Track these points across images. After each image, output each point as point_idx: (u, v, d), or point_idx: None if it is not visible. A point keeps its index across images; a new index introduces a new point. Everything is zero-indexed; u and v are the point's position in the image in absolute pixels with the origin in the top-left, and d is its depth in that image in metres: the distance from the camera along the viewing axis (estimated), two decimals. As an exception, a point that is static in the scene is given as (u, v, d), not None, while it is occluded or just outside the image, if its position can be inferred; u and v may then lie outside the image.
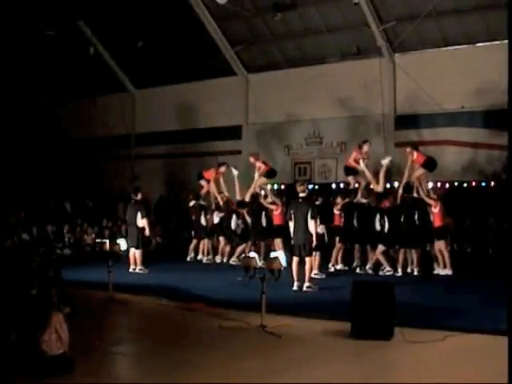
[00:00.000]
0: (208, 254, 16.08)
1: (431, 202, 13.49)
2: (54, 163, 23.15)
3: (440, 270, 13.32)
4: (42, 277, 8.33)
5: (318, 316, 8.83)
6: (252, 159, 15.95)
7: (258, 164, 15.74)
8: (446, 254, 13.38)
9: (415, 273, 13.21)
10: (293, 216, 11.14)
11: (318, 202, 13.71)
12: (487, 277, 12.43)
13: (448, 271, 13.18)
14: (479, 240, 17.69)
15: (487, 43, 17.23)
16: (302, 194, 11.24)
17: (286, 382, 6.11)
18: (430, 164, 13.98)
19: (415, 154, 13.95)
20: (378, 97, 17.99)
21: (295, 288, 10.98)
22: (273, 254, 8.88)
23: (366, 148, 14.49)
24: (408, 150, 14.16)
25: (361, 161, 14.27)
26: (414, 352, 7.09)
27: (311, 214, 10.89)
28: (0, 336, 6.25)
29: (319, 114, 19.97)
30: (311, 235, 10.94)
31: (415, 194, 13.85)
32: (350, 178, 14.78)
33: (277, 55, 20.92)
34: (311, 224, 10.91)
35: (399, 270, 13.18)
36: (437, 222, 13.51)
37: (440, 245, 13.41)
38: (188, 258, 16.05)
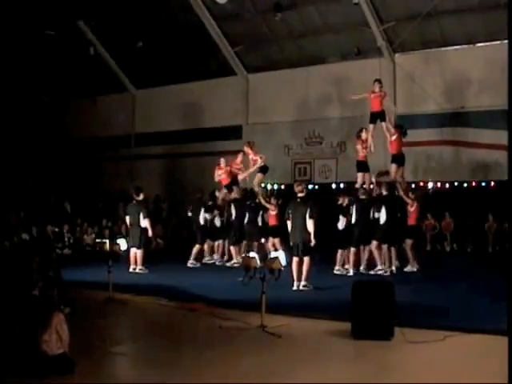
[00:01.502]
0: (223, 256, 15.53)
1: (408, 200, 13.76)
2: (53, 163, 23.17)
3: (409, 268, 13.62)
4: (43, 277, 8.32)
5: (318, 316, 8.82)
6: (246, 148, 15.75)
7: (252, 156, 15.58)
8: (410, 253, 13.68)
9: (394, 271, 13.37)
10: (291, 216, 11.22)
11: (340, 202, 13.55)
12: (487, 276, 12.43)
13: (413, 268, 13.55)
14: (479, 240, 17.72)
15: (487, 43, 17.24)
16: (300, 194, 11.32)
17: (286, 381, 6.11)
18: None
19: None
20: (378, 97, 17.98)
21: (295, 288, 10.99)
22: (273, 254, 8.89)
23: (364, 135, 14.58)
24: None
25: (368, 148, 14.51)
26: (414, 352, 7.08)
27: (309, 213, 10.95)
28: (1, 336, 6.25)
29: (319, 114, 19.98)
30: (309, 235, 10.99)
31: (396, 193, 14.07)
32: (359, 175, 14.64)
33: (277, 55, 20.93)
34: (310, 224, 10.96)
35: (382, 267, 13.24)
36: (411, 220, 13.81)
37: (407, 243, 13.72)
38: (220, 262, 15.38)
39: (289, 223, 11.33)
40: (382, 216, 13.23)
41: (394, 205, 13.62)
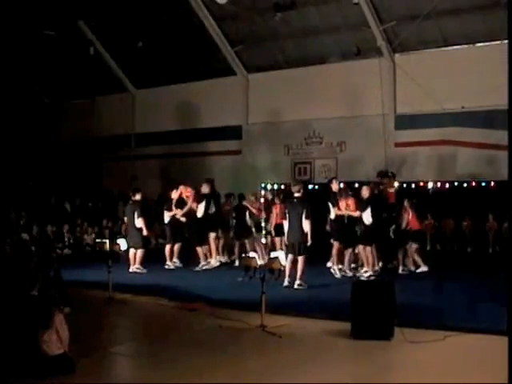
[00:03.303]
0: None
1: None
2: (54, 163, 23.18)
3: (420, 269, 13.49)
4: (43, 277, 8.32)
5: (318, 316, 8.82)
6: (252, 198, 15.29)
7: (255, 208, 15.07)
8: (415, 257, 13.52)
9: (400, 271, 13.27)
10: (287, 215, 11.31)
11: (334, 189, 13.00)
12: (487, 276, 12.43)
13: (424, 268, 13.38)
14: (479, 240, 17.71)
15: (487, 43, 17.25)
16: (296, 194, 11.43)
17: (287, 382, 6.11)
18: None
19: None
20: (377, 97, 18.00)
21: (286, 284, 10.99)
22: (273, 254, 8.90)
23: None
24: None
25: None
26: (414, 352, 7.08)
27: (306, 213, 11.03)
28: (1, 336, 6.25)
29: (319, 114, 19.99)
30: (306, 235, 11.05)
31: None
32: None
33: (277, 55, 20.95)
34: (306, 224, 11.02)
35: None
36: (414, 225, 13.60)
37: (413, 247, 13.59)
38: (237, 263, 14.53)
39: (285, 223, 11.44)
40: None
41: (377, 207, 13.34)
